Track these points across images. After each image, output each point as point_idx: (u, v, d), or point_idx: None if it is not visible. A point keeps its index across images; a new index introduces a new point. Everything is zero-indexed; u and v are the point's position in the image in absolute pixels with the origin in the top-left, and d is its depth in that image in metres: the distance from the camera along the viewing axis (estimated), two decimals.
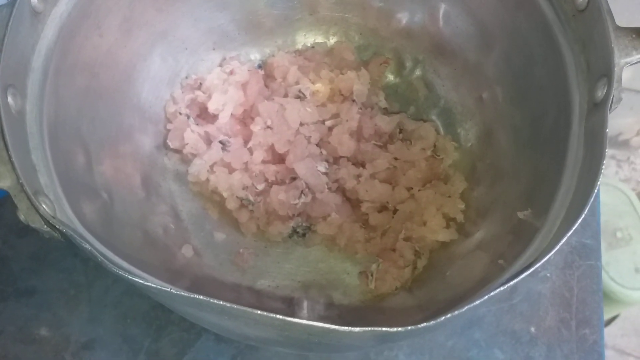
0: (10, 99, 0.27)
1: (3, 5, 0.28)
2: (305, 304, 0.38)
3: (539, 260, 0.25)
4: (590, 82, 0.30)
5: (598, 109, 0.29)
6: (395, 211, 0.40)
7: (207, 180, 0.39)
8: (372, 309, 0.38)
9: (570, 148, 0.30)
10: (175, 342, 0.39)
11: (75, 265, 0.40)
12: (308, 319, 0.22)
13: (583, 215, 0.25)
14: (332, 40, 0.45)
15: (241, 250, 0.39)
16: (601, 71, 0.29)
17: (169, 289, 0.23)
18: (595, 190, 0.26)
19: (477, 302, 0.24)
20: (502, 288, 0.24)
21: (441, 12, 0.41)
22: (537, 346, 0.40)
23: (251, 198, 0.39)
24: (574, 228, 0.25)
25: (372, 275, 0.39)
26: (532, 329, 0.40)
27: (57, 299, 0.39)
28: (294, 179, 0.40)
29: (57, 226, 0.24)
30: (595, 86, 0.29)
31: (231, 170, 0.40)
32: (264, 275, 0.39)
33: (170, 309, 0.37)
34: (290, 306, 0.38)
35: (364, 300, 0.38)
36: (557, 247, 0.25)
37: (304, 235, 0.40)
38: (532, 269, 0.24)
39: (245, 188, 0.39)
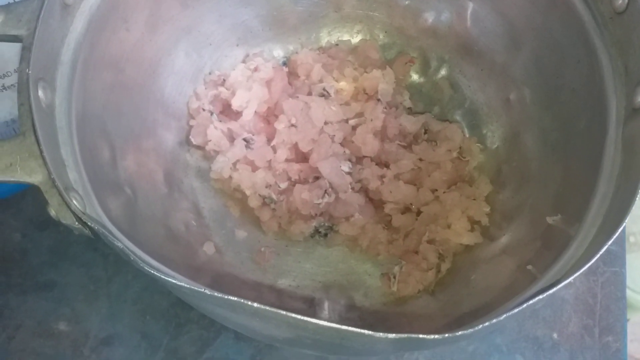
0: (40, 93, 0.26)
1: None
2: (326, 304, 0.37)
3: (576, 270, 0.24)
4: (628, 87, 0.30)
5: (638, 115, 0.28)
6: (419, 213, 0.39)
7: (230, 177, 0.39)
8: (394, 312, 0.37)
9: (606, 154, 0.29)
10: (194, 340, 0.38)
11: (95, 259, 0.40)
12: (329, 320, 0.22)
13: (623, 225, 0.24)
14: (357, 38, 0.45)
15: (262, 249, 0.39)
16: None
17: (203, 290, 0.22)
18: (636, 199, 0.25)
19: (515, 310, 0.23)
20: (540, 297, 0.23)
21: (469, 11, 0.41)
22: (559, 353, 0.39)
23: (274, 196, 0.39)
24: (613, 238, 0.24)
25: (394, 277, 0.38)
26: (555, 335, 0.40)
27: (77, 294, 0.39)
28: (317, 178, 0.39)
29: (89, 223, 0.24)
30: (634, 91, 0.29)
31: (254, 168, 0.39)
32: (284, 274, 0.39)
33: (191, 307, 0.37)
34: (311, 306, 0.37)
35: (386, 303, 0.38)
36: (596, 257, 0.24)
37: (325, 235, 0.40)
38: (570, 279, 0.24)
39: (268, 186, 0.39)
